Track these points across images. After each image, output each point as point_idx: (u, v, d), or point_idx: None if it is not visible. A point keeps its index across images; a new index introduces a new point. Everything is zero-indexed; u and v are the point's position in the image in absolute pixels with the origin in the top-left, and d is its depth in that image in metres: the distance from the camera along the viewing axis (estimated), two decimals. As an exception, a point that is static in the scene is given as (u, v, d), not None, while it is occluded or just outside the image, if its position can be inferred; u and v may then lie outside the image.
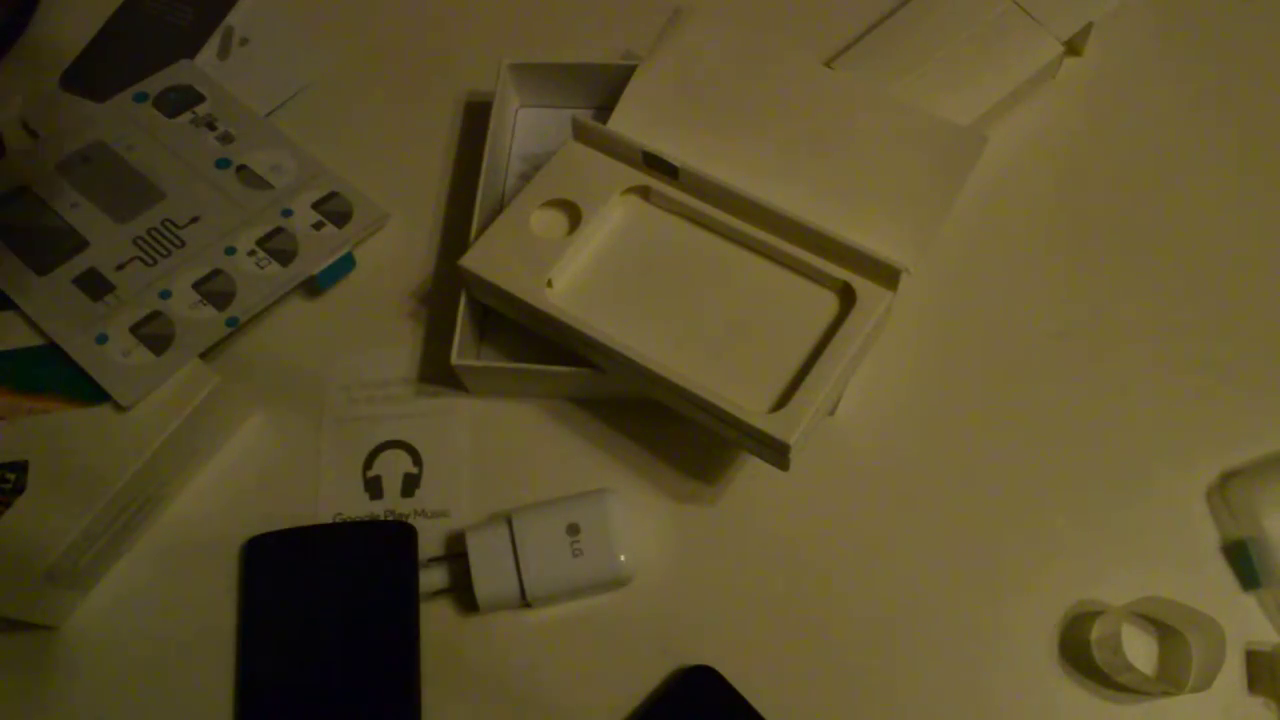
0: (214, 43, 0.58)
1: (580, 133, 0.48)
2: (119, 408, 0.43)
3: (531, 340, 0.48)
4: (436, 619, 0.43)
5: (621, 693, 0.42)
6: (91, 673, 0.43)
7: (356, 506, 0.46)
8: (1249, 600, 0.43)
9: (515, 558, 0.42)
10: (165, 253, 0.48)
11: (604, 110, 0.52)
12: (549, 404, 0.48)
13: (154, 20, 0.58)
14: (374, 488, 0.46)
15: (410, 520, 0.45)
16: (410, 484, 0.46)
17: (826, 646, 0.42)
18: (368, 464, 0.47)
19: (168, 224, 0.49)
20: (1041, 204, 0.52)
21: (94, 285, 0.47)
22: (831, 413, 0.47)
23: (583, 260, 0.46)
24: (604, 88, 0.52)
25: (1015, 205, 0.52)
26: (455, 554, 0.44)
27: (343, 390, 0.48)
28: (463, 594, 0.43)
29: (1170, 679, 0.41)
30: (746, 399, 0.41)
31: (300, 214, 0.50)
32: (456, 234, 0.52)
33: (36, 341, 0.45)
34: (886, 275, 0.42)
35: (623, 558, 0.42)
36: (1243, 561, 0.43)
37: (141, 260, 0.48)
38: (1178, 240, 0.50)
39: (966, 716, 0.41)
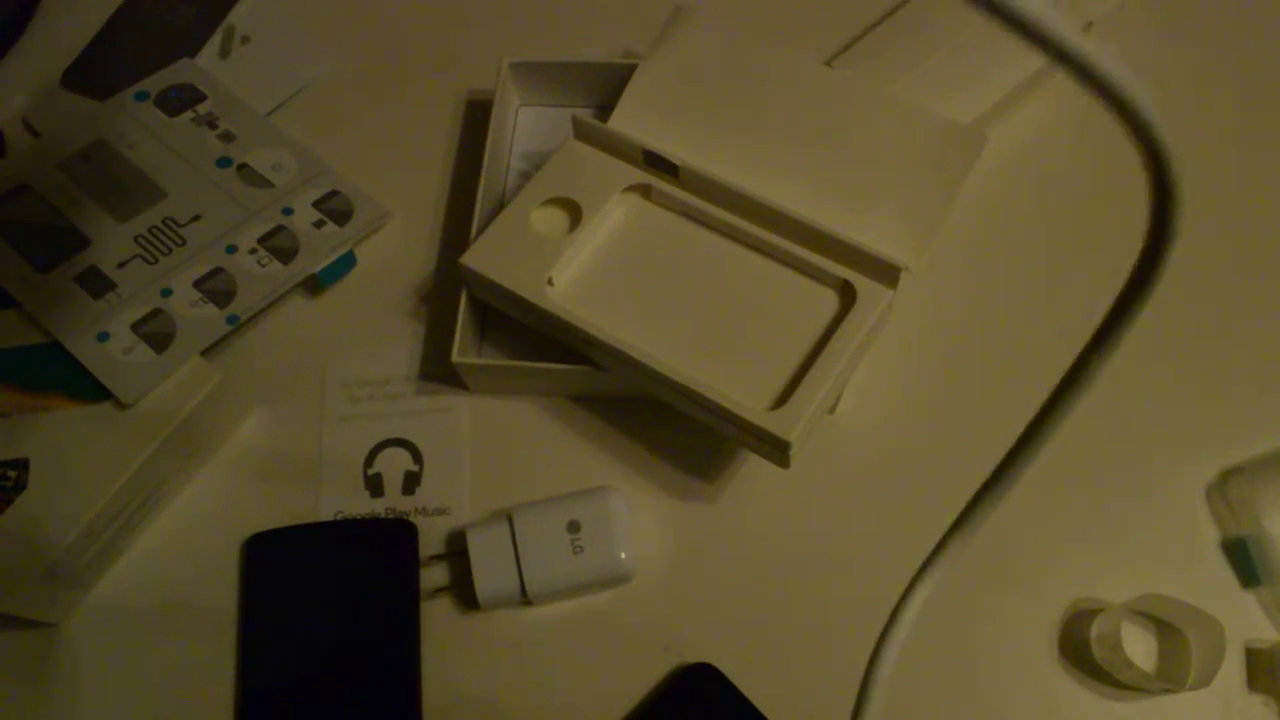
0: (215, 41, 0.58)
1: (581, 131, 0.48)
2: (120, 405, 0.43)
3: (532, 338, 0.48)
4: (437, 617, 0.43)
5: (622, 690, 0.42)
6: (93, 670, 0.43)
7: (357, 504, 0.46)
8: (1248, 598, 0.43)
9: (516, 555, 0.42)
10: (166, 251, 0.48)
11: (605, 109, 0.52)
12: (549, 402, 0.48)
13: (155, 19, 0.58)
14: (375, 485, 0.46)
15: (411, 518, 0.45)
16: (411, 482, 0.46)
17: (827, 644, 0.43)
18: (368, 461, 0.47)
19: (169, 222, 0.49)
20: (1041, 203, 0.52)
21: (95, 283, 0.47)
22: (832, 410, 0.47)
23: (583, 258, 0.46)
24: (605, 86, 0.52)
25: (1015, 205, 0.52)
26: (456, 552, 0.44)
27: (343, 388, 0.48)
28: (463, 591, 0.43)
29: (1170, 676, 0.41)
30: (747, 396, 0.41)
31: (301, 212, 0.50)
32: (457, 232, 0.52)
33: (38, 339, 0.45)
34: (887, 273, 0.42)
35: (623, 555, 0.42)
36: (1242, 559, 0.43)
37: (143, 258, 0.48)
38: (1177, 239, 0.50)
39: (967, 714, 0.41)
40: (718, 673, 0.41)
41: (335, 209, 0.51)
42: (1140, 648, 0.42)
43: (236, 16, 0.59)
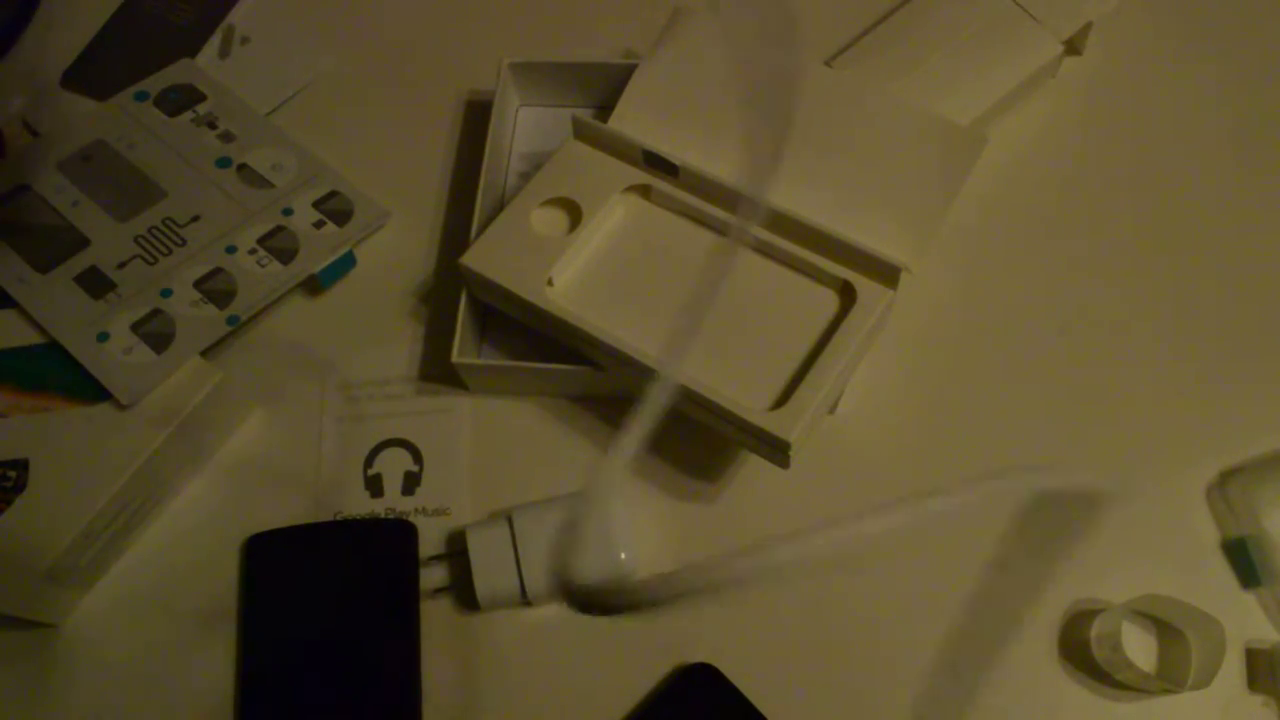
0: (215, 42, 0.58)
1: (581, 131, 0.48)
2: (120, 406, 0.43)
3: (532, 338, 0.48)
4: (437, 617, 0.43)
5: (622, 690, 0.42)
6: (92, 670, 0.43)
7: (357, 504, 0.46)
8: (1248, 598, 0.43)
9: (516, 555, 0.42)
10: (166, 251, 0.48)
11: (604, 109, 0.52)
12: (549, 402, 0.48)
13: (154, 19, 0.59)
14: (374, 485, 0.46)
15: (411, 518, 0.45)
16: (411, 482, 0.46)
17: (826, 643, 0.43)
18: (368, 462, 0.47)
19: (169, 222, 0.49)
20: (1041, 203, 0.52)
21: (95, 283, 0.47)
22: (832, 411, 0.47)
23: (583, 258, 0.46)
24: (604, 87, 0.52)
25: (1015, 205, 0.52)
26: (456, 552, 0.44)
27: (343, 388, 0.48)
28: (463, 592, 0.43)
29: (1170, 677, 0.41)
30: (747, 397, 0.41)
31: (301, 212, 0.50)
32: (457, 232, 0.52)
33: (37, 339, 0.45)
34: (887, 274, 0.42)
35: (623, 555, 0.42)
36: (1242, 559, 0.43)
37: (142, 259, 0.48)
38: (1177, 239, 0.50)
39: (967, 714, 0.41)
40: (717, 672, 0.41)
41: (335, 209, 0.51)
42: (1140, 648, 0.42)
43: (236, 16, 0.59)
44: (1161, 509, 0.44)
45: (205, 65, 0.56)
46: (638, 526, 0.44)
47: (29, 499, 0.41)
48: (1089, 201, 0.52)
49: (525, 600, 0.42)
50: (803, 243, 0.44)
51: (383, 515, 0.46)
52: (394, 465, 0.47)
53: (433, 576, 0.44)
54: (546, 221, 0.46)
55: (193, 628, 0.44)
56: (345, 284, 0.51)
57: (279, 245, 0.49)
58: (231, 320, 0.47)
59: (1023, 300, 0.49)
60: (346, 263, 0.50)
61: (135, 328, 0.46)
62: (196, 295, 0.47)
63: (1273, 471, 0.43)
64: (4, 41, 0.59)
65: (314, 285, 0.50)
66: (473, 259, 0.45)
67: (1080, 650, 0.42)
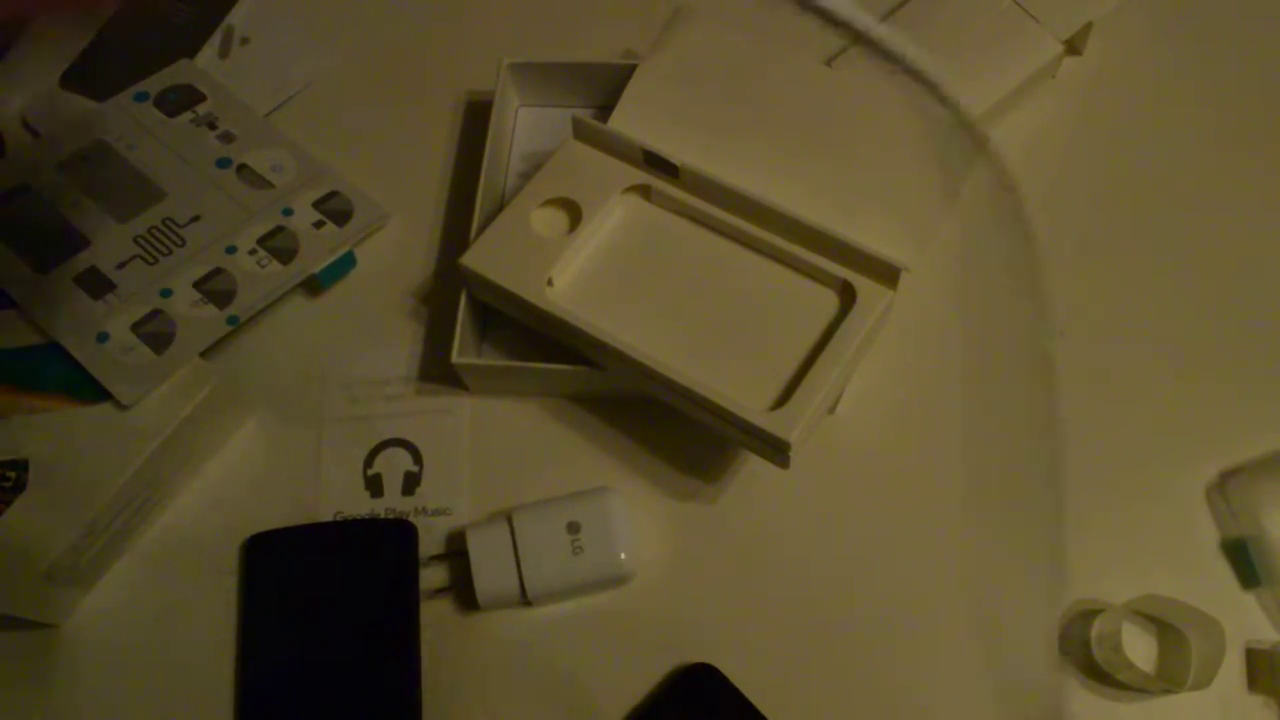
0: (214, 42, 0.58)
1: (581, 132, 0.48)
2: (120, 406, 0.43)
3: (532, 339, 0.48)
4: (437, 617, 0.43)
5: (622, 691, 0.42)
6: (92, 671, 0.43)
7: (357, 505, 0.46)
8: (1249, 598, 0.43)
9: (516, 556, 0.42)
10: (166, 251, 0.48)
11: (604, 109, 0.52)
12: (549, 402, 0.48)
13: (154, 20, 0.58)
14: (374, 486, 0.46)
15: (411, 518, 0.45)
16: (411, 482, 0.46)
17: (827, 644, 0.43)
18: (368, 462, 0.47)
19: (168, 223, 0.49)
20: (1040, 203, 0.52)
21: (95, 284, 0.47)
22: (832, 411, 0.47)
23: (583, 259, 0.46)
24: (604, 87, 0.52)
25: (1015, 204, 0.52)
26: (456, 552, 0.44)
27: (343, 388, 0.48)
28: (463, 592, 0.43)
29: (1170, 677, 0.41)
30: (747, 397, 0.41)
31: (301, 213, 0.50)
32: (457, 233, 0.52)
33: (37, 340, 0.45)
34: (887, 274, 0.42)
35: (623, 556, 0.42)
36: (1242, 560, 0.43)
37: (142, 259, 0.48)
38: (1177, 239, 0.50)
39: (966, 714, 0.41)
40: (717, 673, 0.41)
41: (335, 209, 0.51)
42: (1140, 648, 0.42)
43: (236, 17, 0.59)
44: (1161, 509, 0.44)
45: (205, 65, 0.56)
46: (638, 526, 0.44)
47: (29, 499, 0.41)
48: (1088, 202, 0.52)
49: (525, 600, 0.42)
50: (803, 243, 0.44)
51: (382, 515, 0.46)
52: (394, 465, 0.47)
53: (433, 577, 0.44)
54: (546, 222, 0.46)
55: (193, 628, 0.44)
56: (345, 284, 0.51)
57: (279, 245, 0.49)
58: (231, 321, 0.47)
59: (1022, 301, 0.49)
60: (346, 263, 0.50)
61: (135, 328, 0.46)
62: (196, 295, 0.47)
63: (1273, 472, 0.43)
64: (4, 41, 0.59)
65: (314, 285, 0.50)
66: (472, 259, 0.45)
67: (1080, 650, 0.42)
